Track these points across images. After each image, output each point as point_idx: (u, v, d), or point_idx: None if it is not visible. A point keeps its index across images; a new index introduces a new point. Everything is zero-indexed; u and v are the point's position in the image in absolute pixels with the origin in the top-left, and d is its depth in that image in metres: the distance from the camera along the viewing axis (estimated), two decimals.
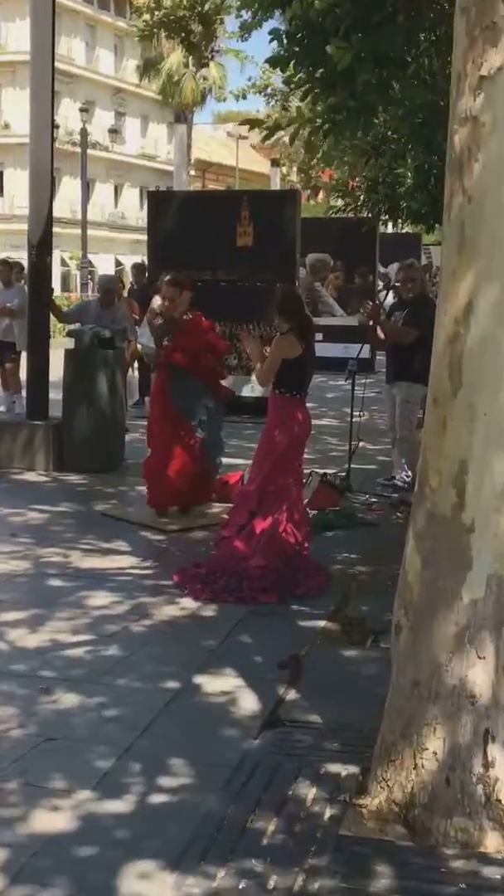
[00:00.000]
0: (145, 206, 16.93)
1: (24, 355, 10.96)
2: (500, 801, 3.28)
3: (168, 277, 7.67)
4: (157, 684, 4.55)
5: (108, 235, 48.29)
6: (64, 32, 44.00)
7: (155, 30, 34.70)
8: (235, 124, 41.47)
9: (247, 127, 10.43)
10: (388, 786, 3.40)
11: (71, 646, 5.00)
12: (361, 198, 12.42)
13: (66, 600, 5.70)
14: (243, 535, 6.23)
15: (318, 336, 13.25)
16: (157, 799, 3.54)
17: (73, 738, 4.01)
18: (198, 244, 12.19)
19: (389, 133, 10.47)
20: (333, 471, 8.84)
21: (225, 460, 8.06)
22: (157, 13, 34.20)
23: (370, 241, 17.58)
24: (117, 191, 52.96)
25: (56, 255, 41.39)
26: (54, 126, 10.76)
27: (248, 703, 4.37)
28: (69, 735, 4.03)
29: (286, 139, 10.41)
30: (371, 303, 9.61)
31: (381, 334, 8.54)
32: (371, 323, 8.83)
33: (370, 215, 13.39)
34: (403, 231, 25.76)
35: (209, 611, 5.62)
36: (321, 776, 3.69)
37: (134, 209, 51.69)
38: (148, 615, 5.50)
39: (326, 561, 6.49)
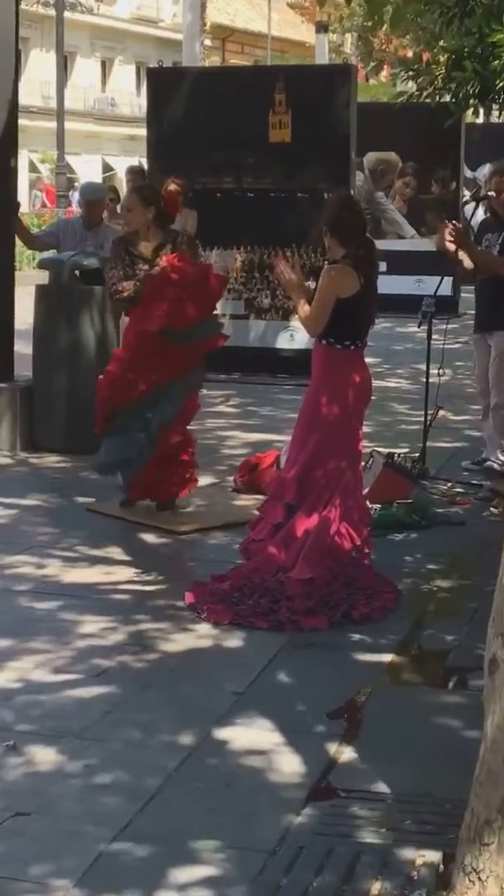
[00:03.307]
0: (143, 90, 16.92)
1: None
2: None
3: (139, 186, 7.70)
4: (165, 740, 4.57)
5: (94, 130, 48.27)
6: None
7: None
8: None
9: None
10: (479, 878, 3.40)
11: (48, 688, 5.02)
12: (440, 78, 12.31)
13: (42, 626, 5.73)
14: (280, 538, 6.24)
15: (382, 266, 13.18)
16: (167, 895, 3.56)
17: (52, 812, 4.03)
18: (216, 140, 12.16)
19: None
20: (403, 450, 8.84)
21: (255, 436, 8.06)
22: None
23: (453, 136, 17.43)
24: (105, 68, 52.87)
25: (23, 157, 41.80)
26: None
27: (289, 765, 4.38)
28: (46, 809, 4.05)
29: None
30: (453, 222, 9.55)
31: (468, 263, 8.49)
32: (455, 248, 8.78)
33: (454, 101, 13.28)
34: (499, 121, 25.58)
35: (235, 640, 5.64)
36: (388, 865, 3.70)
37: (128, 93, 51.59)
38: (151, 646, 5.53)
39: (394, 573, 6.49)
